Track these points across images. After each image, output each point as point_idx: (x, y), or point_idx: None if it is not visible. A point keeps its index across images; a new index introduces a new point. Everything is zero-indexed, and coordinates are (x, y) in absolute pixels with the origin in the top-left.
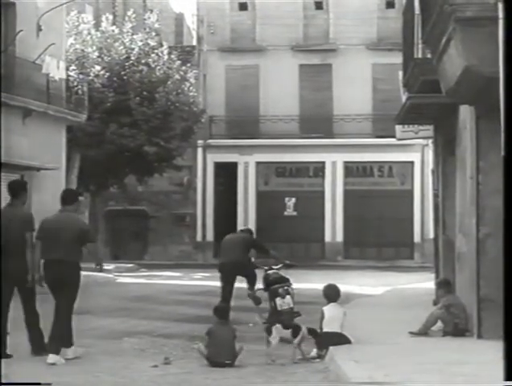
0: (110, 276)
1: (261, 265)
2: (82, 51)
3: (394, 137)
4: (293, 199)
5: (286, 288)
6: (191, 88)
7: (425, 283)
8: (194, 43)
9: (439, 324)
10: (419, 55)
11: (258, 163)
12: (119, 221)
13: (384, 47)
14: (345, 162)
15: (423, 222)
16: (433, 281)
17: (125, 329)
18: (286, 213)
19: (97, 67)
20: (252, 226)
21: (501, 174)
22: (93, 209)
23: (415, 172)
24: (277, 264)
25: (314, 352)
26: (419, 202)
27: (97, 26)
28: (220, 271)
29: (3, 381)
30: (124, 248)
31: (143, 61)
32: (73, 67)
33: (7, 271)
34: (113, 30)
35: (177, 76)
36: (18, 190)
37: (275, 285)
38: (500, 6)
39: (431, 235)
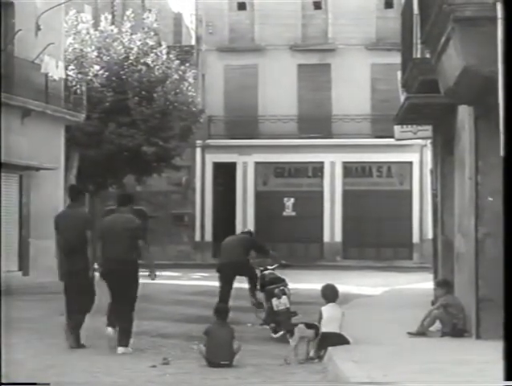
0: None
1: (257, 266)
2: (81, 50)
3: (392, 137)
4: (292, 200)
5: (282, 288)
6: (189, 87)
7: (424, 283)
8: (193, 42)
9: (438, 325)
10: (418, 55)
11: (256, 163)
12: None
13: (383, 47)
14: (344, 163)
15: (421, 222)
16: (432, 281)
17: None
18: (284, 213)
19: (96, 67)
20: (251, 226)
21: (500, 175)
22: (92, 209)
23: (414, 172)
24: (272, 265)
25: (312, 353)
26: (418, 202)
27: (96, 25)
28: (219, 271)
29: (3, 381)
30: None
31: (142, 61)
32: (72, 66)
33: (73, 267)
34: (111, 30)
35: (176, 76)
36: (77, 193)
37: (271, 286)
38: (499, 5)
39: (430, 235)
